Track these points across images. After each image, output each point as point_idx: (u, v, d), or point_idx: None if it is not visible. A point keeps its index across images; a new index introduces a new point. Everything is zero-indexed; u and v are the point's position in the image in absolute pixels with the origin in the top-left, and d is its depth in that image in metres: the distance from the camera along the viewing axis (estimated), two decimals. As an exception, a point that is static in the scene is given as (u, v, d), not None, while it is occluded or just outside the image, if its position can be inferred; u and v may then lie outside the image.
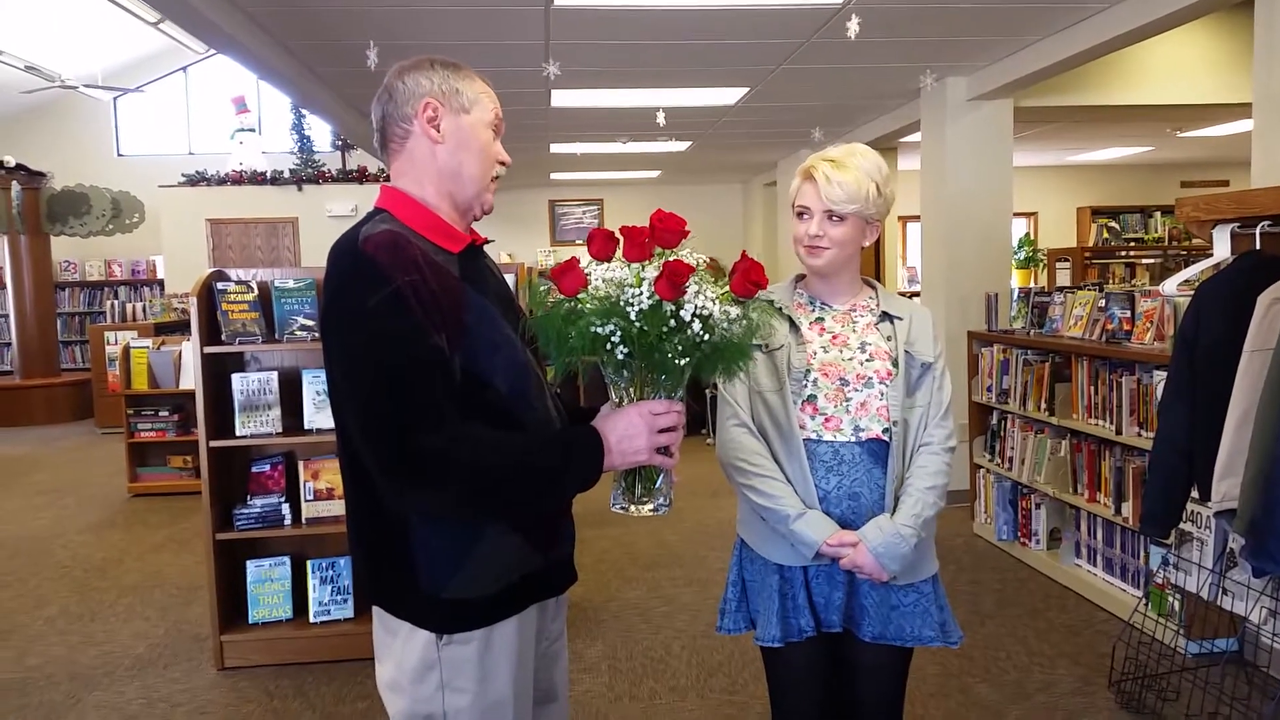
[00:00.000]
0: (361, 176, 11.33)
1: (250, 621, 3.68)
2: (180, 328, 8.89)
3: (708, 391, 7.13)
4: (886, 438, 1.90)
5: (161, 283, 11.94)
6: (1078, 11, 4.35)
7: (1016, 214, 7.62)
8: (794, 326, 1.95)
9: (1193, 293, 2.91)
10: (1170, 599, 3.62)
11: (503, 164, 1.64)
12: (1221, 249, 2.98)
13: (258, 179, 11.28)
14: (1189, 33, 5.59)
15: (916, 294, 8.45)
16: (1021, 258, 9.74)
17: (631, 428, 1.47)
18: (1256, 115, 3.55)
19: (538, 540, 1.59)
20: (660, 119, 6.50)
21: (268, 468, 3.66)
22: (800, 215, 1.95)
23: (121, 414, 6.64)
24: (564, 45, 4.73)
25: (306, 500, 3.64)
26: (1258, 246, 2.85)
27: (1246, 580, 2.98)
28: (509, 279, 1.87)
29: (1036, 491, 4.60)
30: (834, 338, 1.96)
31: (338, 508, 3.58)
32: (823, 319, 1.99)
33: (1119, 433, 3.89)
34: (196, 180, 11.26)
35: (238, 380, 3.59)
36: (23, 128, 12.24)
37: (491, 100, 1.61)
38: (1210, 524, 3.19)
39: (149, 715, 3.30)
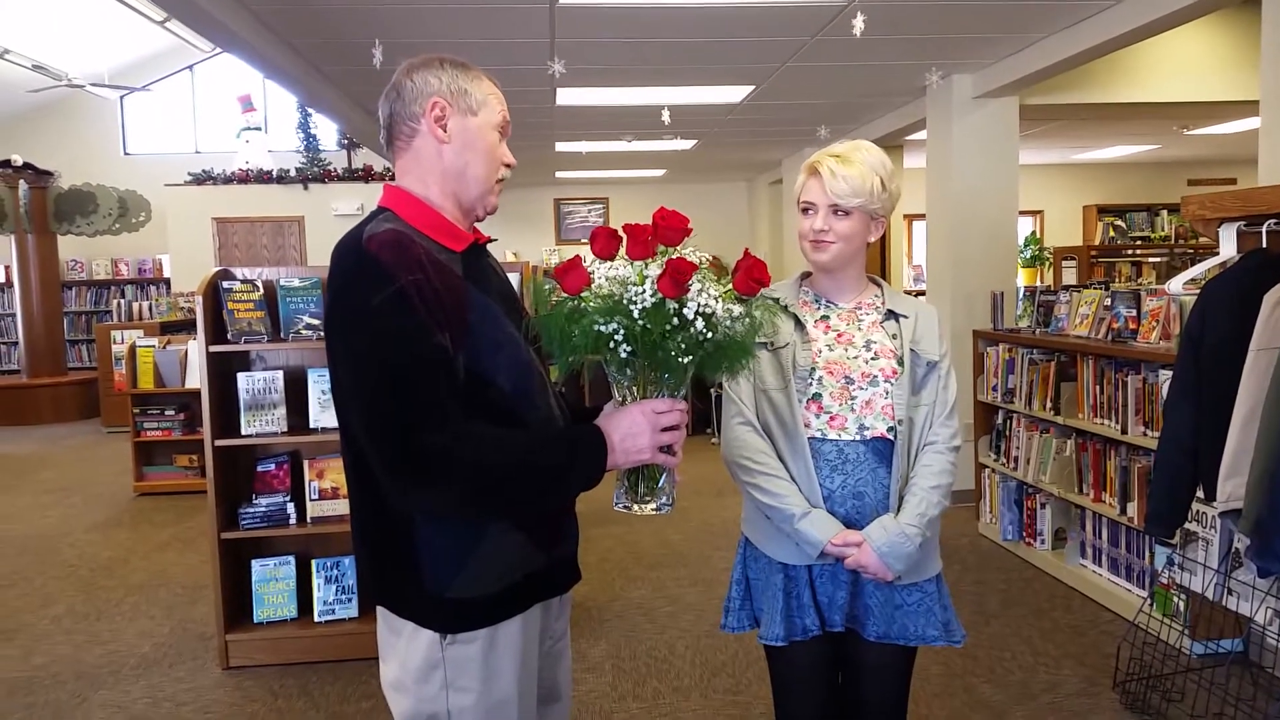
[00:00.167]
0: (367, 175, 11.34)
1: (255, 621, 3.68)
2: (186, 327, 8.90)
3: (713, 390, 7.13)
4: (891, 436, 1.89)
5: (168, 282, 11.97)
6: (1083, 9, 4.34)
7: (1022, 212, 7.62)
8: (799, 324, 1.95)
9: (1198, 291, 2.90)
10: (1175, 599, 3.61)
11: (508, 166, 1.64)
12: (1227, 247, 2.97)
13: (264, 178, 11.30)
14: (1196, 30, 5.57)
15: (922, 292, 8.44)
16: (1027, 256, 9.71)
17: (635, 426, 1.47)
18: (1264, 113, 3.54)
19: (541, 539, 1.59)
20: (665, 117, 6.50)
21: (273, 467, 3.67)
22: (805, 211, 1.95)
23: (127, 413, 6.67)
24: (569, 43, 4.73)
25: (311, 499, 3.64)
26: (1264, 245, 2.83)
27: (1252, 580, 2.97)
28: (513, 278, 1.87)
29: (1041, 491, 4.59)
30: (839, 336, 1.96)
31: (343, 507, 3.58)
32: (828, 317, 1.98)
33: (1124, 432, 3.88)
34: (203, 179, 11.28)
35: (243, 379, 3.59)
36: (30, 127, 12.27)
37: (499, 102, 1.61)
38: (1216, 524, 3.18)
39: (154, 714, 3.31)
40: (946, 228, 5.79)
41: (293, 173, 11.31)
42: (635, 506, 1.56)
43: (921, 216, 6.92)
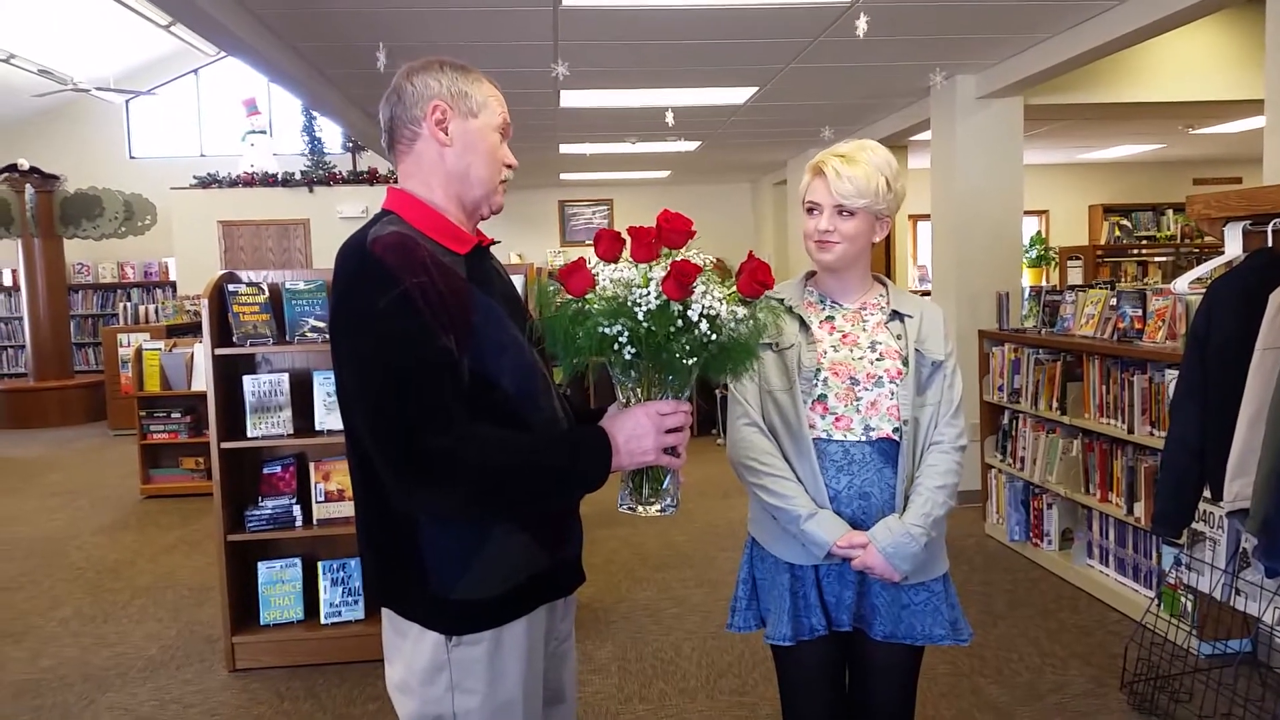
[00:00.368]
0: (372, 178, 11.37)
1: (261, 623, 3.69)
2: (192, 330, 8.94)
3: (718, 391, 7.13)
4: (897, 437, 1.89)
5: (174, 285, 12.00)
6: (1087, 9, 4.33)
7: (1027, 212, 7.60)
8: (804, 325, 1.95)
9: (1204, 291, 2.90)
10: (1183, 599, 3.60)
11: (510, 167, 1.64)
12: (1233, 247, 2.96)
13: (269, 181, 11.34)
14: (1200, 29, 5.56)
15: (927, 293, 8.43)
16: (1033, 256, 9.71)
17: (639, 428, 1.48)
18: (1269, 112, 3.53)
19: (546, 541, 1.59)
20: (669, 119, 6.50)
21: (279, 469, 3.68)
22: (810, 211, 1.95)
23: (134, 416, 6.68)
24: (572, 45, 4.73)
25: (317, 501, 3.65)
26: (1270, 244, 2.83)
27: (1259, 580, 2.96)
28: (518, 280, 1.88)
29: (1048, 491, 4.58)
30: (844, 336, 1.96)
31: (349, 509, 3.59)
32: (833, 317, 1.98)
33: (1131, 432, 3.87)
34: (208, 182, 11.32)
35: (249, 382, 3.60)
36: (36, 131, 12.31)
37: (500, 103, 1.61)
38: (1223, 524, 3.17)
39: (161, 717, 3.32)
40: (951, 228, 5.78)
41: (298, 176, 11.34)
42: (640, 508, 1.56)
43: (926, 217, 6.91)
